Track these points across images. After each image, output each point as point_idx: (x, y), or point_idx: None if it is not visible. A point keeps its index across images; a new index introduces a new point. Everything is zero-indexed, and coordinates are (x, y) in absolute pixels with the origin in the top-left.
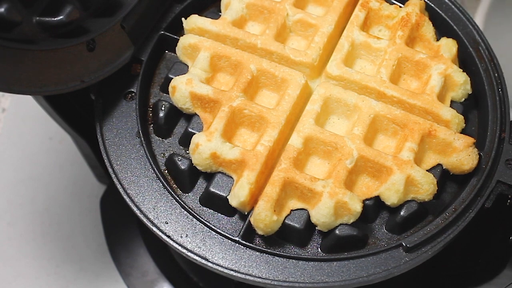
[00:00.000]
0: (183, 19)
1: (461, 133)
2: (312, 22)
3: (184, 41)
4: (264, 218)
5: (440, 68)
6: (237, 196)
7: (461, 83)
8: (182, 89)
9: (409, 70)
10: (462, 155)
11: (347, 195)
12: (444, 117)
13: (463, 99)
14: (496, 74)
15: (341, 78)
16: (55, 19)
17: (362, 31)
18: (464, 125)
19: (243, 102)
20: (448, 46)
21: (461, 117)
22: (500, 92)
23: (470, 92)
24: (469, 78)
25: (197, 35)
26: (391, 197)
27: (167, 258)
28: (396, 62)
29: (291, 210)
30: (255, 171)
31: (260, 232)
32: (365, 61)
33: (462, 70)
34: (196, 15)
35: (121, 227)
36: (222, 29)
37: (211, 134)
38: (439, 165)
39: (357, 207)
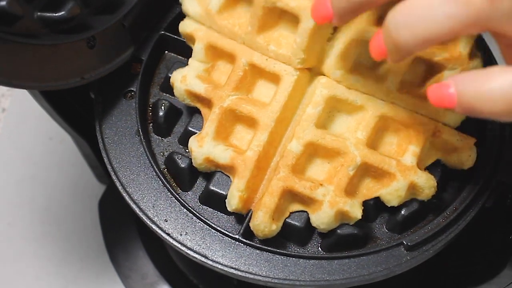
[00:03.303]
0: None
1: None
2: None
3: (181, 30)
4: (263, 229)
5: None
6: (230, 204)
7: None
8: (178, 87)
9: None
10: (463, 154)
11: (347, 204)
12: (445, 117)
13: None
14: None
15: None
16: (56, 14)
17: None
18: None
19: (233, 101)
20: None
21: (462, 117)
22: None
23: None
24: None
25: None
26: (392, 201)
27: (167, 261)
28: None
29: (291, 213)
30: (244, 179)
31: (259, 238)
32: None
33: None
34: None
35: (120, 230)
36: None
37: (202, 140)
38: (439, 164)
39: (358, 215)
